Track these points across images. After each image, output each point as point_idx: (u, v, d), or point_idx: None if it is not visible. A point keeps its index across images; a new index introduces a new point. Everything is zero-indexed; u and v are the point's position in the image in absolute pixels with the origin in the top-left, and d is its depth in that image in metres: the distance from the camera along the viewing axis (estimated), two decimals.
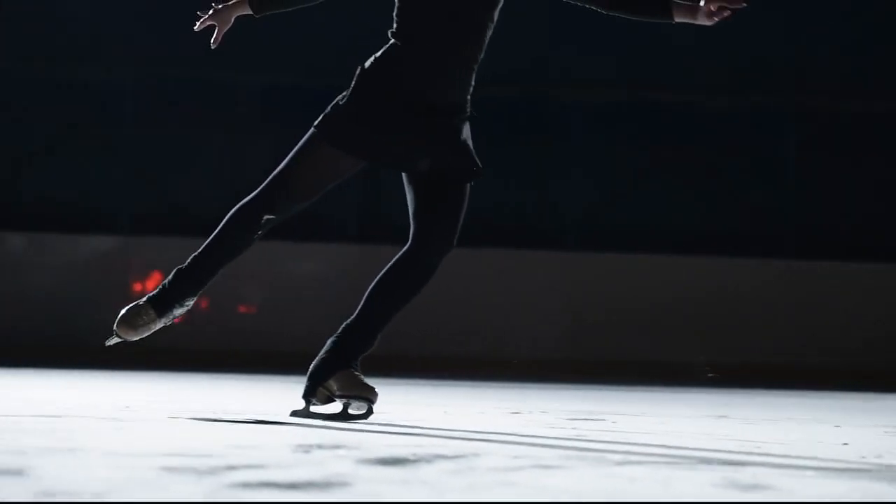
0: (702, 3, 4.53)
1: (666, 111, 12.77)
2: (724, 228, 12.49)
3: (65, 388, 6.80)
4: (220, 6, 4.78)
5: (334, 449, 3.42)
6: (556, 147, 12.71)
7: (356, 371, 4.63)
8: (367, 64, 4.66)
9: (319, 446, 3.49)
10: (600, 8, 4.74)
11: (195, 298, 4.77)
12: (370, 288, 4.79)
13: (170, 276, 4.69)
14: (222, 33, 4.80)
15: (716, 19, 4.52)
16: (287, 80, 12.47)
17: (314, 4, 4.79)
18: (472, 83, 4.69)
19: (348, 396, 4.60)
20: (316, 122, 4.64)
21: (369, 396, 4.60)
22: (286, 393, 6.05)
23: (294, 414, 4.63)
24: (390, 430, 4.28)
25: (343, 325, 4.76)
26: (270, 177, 4.70)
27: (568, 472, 3.05)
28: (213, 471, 2.84)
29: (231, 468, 2.90)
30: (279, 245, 11.80)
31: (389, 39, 4.66)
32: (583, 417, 5.16)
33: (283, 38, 12.29)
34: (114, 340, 4.77)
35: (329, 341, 4.72)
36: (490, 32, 4.71)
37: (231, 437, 3.78)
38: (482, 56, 4.69)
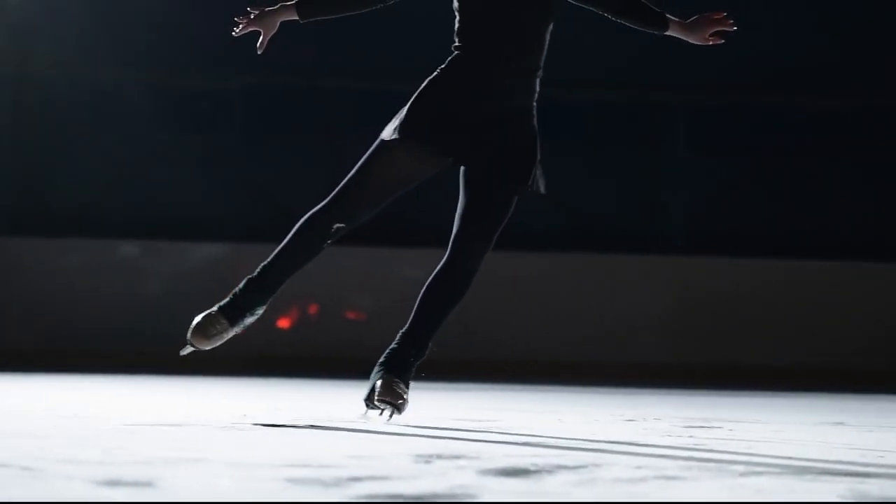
0: (692, 24, 4.82)
1: (770, 113, 12.66)
2: (832, 232, 12.34)
3: (180, 395, 6.87)
4: (259, 11, 4.86)
5: (454, 459, 3.42)
6: (661, 151, 12.64)
7: (396, 378, 4.75)
8: (432, 76, 4.80)
9: (439, 456, 3.50)
10: (608, 13, 4.90)
11: (265, 306, 4.93)
12: (419, 296, 4.87)
13: (240, 285, 4.82)
14: (268, 38, 4.90)
15: (710, 43, 4.81)
16: (390, 85, 12.51)
17: (362, 12, 4.89)
18: (536, 89, 4.78)
19: (378, 402, 4.74)
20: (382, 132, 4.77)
21: (395, 403, 4.73)
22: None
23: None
24: (506, 439, 4.28)
25: (399, 334, 4.86)
26: (340, 185, 4.80)
27: (692, 483, 3.03)
28: (337, 482, 2.85)
29: (355, 479, 2.91)
30: (387, 251, 11.86)
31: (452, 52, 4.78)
32: (699, 425, 5.12)
33: (385, 42, 12.34)
34: (188, 350, 4.94)
35: (388, 349, 4.84)
36: (547, 40, 4.81)
37: (350, 447, 3.80)
38: (542, 63, 4.78)
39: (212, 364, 9.45)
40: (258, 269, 4.83)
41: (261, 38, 4.91)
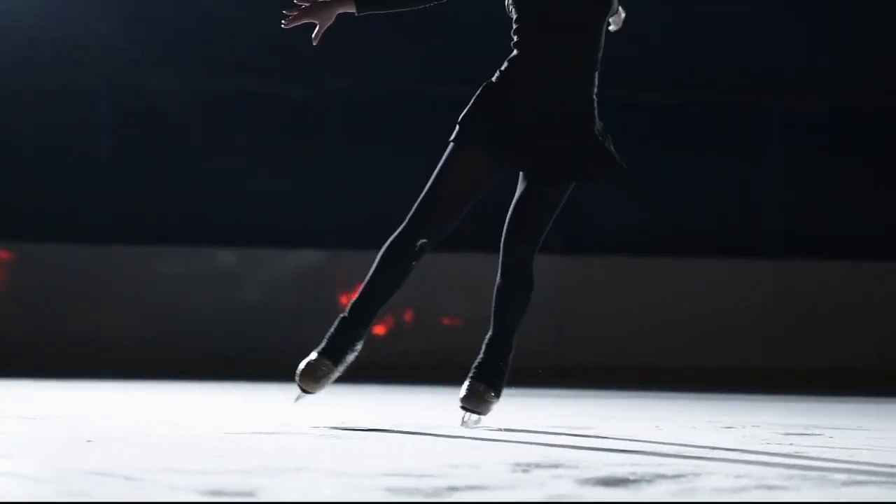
0: None
1: (868, 116, 12.52)
2: None
3: (278, 403, 6.91)
4: (312, 2, 4.87)
5: (553, 468, 3.42)
6: (759, 153, 12.54)
7: (482, 383, 4.91)
8: (492, 78, 4.94)
9: (538, 465, 3.49)
10: None
11: (363, 340, 5.00)
12: (493, 302, 5.12)
13: (335, 326, 4.87)
14: (323, 30, 4.91)
15: None
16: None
17: (416, 8, 4.94)
18: (595, 84, 4.85)
19: (462, 407, 4.92)
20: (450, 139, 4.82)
21: (476, 409, 4.91)
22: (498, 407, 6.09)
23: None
24: (604, 446, 4.26)
25: (484, 341, 5.11)
26: (416, 202, 4.83)
27: (794, 493, 3.00)
28: (436, 492, 2.86)
29: (453, 489, 2.92)
30: (484, 257, 11.84)
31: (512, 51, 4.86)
32: (798, 432, 5.07)
33: (478, 46, 12.35)
34: (300, 396, 5.01)
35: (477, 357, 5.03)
36: (604, 36, 4.87)
37: (448, 455, 3.80)
38: (599, 58, 4.84)
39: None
40: (349, 307, 4.92)
41: (316, 29, 4.93)
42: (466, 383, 4.94)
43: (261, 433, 4.49)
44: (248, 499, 2.69)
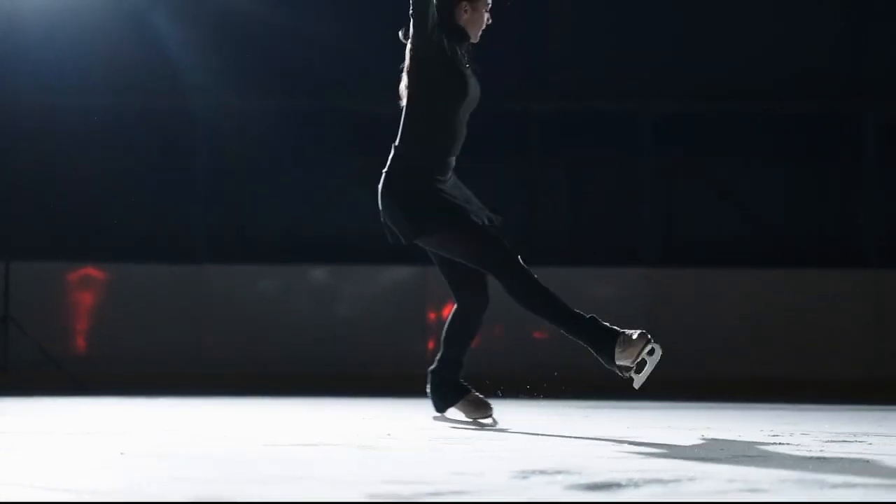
0: None
1: None
2: None
3: (376, 416, 7.02)
4: None
5: (554, 474, 3.47)
6: (852, 163, 12.43)
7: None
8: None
9: (542, 472, 3.55)
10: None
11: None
12: None
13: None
14: None
15: None
16: (580, 106, 12.57)
17: None
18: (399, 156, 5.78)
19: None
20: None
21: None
22: (559, 416, 6.14)
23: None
24: (629, 453, 4.29)
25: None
26: (499, 265, 5.62)
27: (773, 495, 3.03)
28: (415, 496, 2.94)
29: (435, 493, 2.99)
30: (577, 271, 11.89)
31: None
32: (841, 440, 5.04)
33: (572, 63, 12.40)
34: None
35: None
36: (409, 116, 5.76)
37: (461, 463, 3.86)
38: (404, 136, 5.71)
39: (402, 384, 9.64)
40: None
41: None
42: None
43: (288, 445, 4.60)
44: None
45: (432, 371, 5.91)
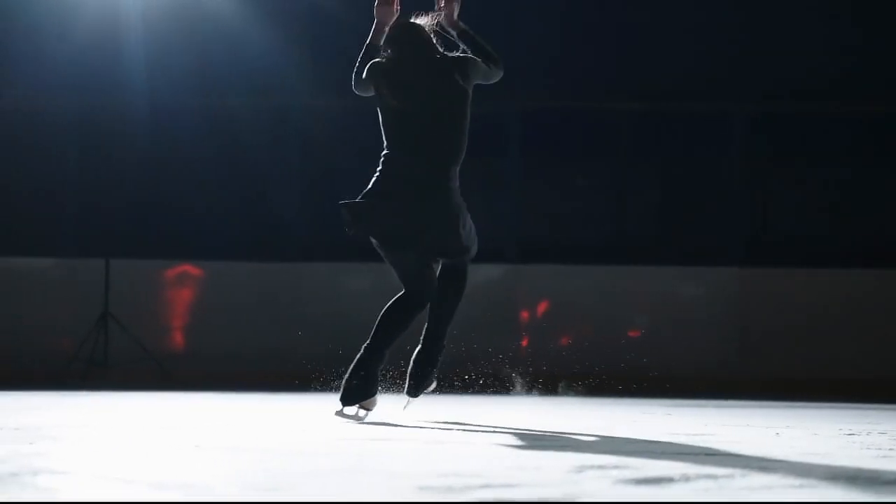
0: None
1: None
2: None
3: (458, 412, 7.09)
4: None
5: (610, 469, 3.52)
6: None
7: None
8: None
9: (601, 467, 3.60)
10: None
11: None
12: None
13: None
14: None
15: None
16: (670, 106, 12.55)
17: None
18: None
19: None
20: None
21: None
22: (651, 412, 6.17)
23: None
24: (692, 450, 4.32)
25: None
26: None
27: (809, 491, 3.05)
28: (466, 488, 3.01)
29: (486, 486, 3.05)
30: (666, 269, 11.88)
31: None
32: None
33: (658, 64, 12.38)
34: None
35: None
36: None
37: (521, 459, 3.92)
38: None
39: (493, 383, 9.71)
40: None
41: None
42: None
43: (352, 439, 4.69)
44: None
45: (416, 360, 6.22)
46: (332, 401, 8.22)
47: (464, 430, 5.34)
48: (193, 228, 12.21)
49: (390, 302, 6.10)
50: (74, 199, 12.24)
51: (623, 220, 12.64)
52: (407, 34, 5.98)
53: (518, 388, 10.47)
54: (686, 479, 3.30)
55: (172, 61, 12.06)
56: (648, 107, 12.56)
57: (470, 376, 10.58)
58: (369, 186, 5.93)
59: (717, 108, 12.48)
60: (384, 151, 5.96)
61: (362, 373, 5.91)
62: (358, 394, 5.91)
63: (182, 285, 11.79)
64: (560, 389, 10.40)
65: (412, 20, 6.06)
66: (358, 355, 5.97)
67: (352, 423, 5.68)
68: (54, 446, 4.17)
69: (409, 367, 6.21)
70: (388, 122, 5.94)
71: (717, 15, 12.45)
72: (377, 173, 5.94)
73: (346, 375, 5.97)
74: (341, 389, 5.97)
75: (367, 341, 6.00)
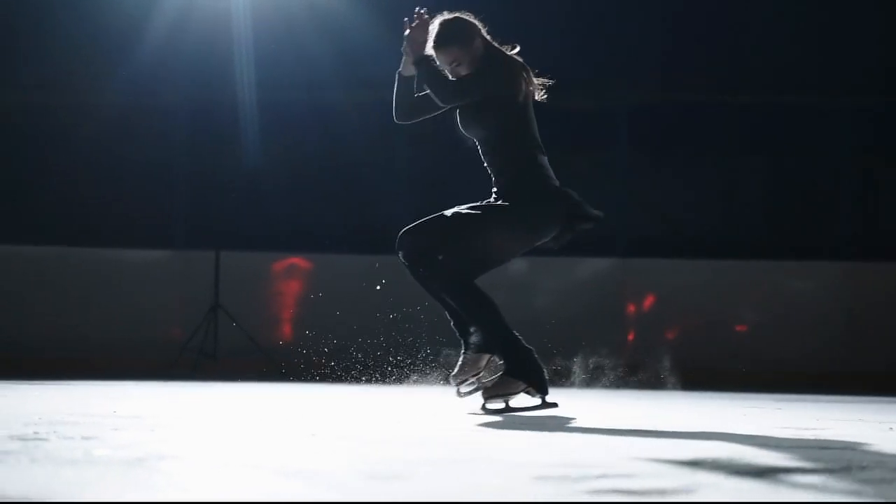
0: None
1: None
2: None
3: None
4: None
5: (723, 462, 3.53)
6: None
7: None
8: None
9: (713, 460, 3.61)
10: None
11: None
12: None
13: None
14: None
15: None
16: (770, 101, 12.46)
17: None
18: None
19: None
20: None
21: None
22: (762, 406, 6.16)
23: None
24: (799, 444, 4.31)
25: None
26: None
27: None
28: (582, 478, 3.05)
29: (602, 477, 3.09)
30: (775, 264, 11.81)
31: None
32: None
33: (772, 58, 12.29)
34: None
35: None
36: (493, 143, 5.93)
37: (634, 450, 3.94)
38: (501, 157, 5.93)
39: (599, 375, 9.72)
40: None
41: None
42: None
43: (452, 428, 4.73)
44: (399, 482, 2.94)
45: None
46: (435, 392, 8.29)
47: (574, 422, 5.36)
48: (302, 221, 12.34)
49: (470, 289, 6.01)
50: (186, 192, 12.43)
51: (731, 215, 12.58)
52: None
53: (623, 381, 10.47)
54: (803, 472, 3.31)
55: (280, 55, 12.19)
56: (757, 100, 12.48)
57: (575, 369, 10.60)
58: (546, 187, 5.91)
59: (827, 102, 12.37)
60: (520, 150, 5.91)
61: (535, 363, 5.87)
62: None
63: (290, 277, 11.92)
64: (665, 383, 10.39)
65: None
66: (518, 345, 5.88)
67: (461, 414, 5.73)
68: (174, 434, 4.27)
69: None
70: (522, 118, 5.92)
71: (827, 7, 12.34)
72: (539, 173, 5.92)
73: (532, 366, 5.86)
74: (539, 382, 5.85)
75: (504, 332, 5.89)
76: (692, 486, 2.95)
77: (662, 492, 2.86)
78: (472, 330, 6.00)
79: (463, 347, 6.03)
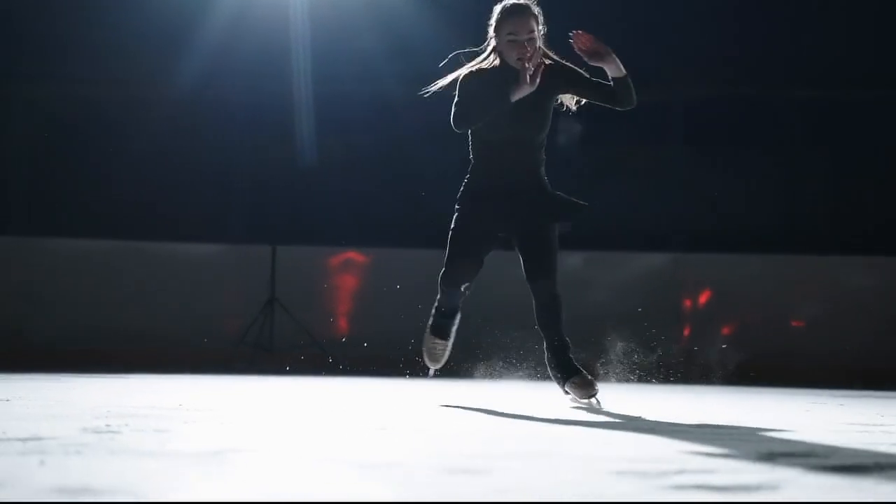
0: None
1: None
2: None
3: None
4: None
5: (801, 457, 3.52)
6: None
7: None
8: None
9: (789, 454, 3.60)
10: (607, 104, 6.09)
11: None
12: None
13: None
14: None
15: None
16: (830, 94, 12.38)
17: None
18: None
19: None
20: None
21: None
22: (822, 402, 6.13)
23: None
24: (877, 439, 4.29)
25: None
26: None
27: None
28: (663, 474, 3.03)
29: (680, 472, 3.08)
30: (838, 259, 11.73)
31: None
32: None
33: (834, 51, 12.22)
34: (430, 371, 6.41)
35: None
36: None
37: (701, 445, 3.93)
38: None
39: (655, 371, 9.69)
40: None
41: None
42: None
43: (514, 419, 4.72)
44: (478, 476, 2.93)
45: (547, 360, 6.27)
46: (499, 386, 8.30)
47: (639, 417, 5.35)
48: (358, 215, 12.36)
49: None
50: (243, 186, 12.48)
51: (789, 209, 12.51)
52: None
53: (680, 376, 10.43)
54: (879, 468, 3.29)
55: (337, 49, 12.21)
56: (817, 94, 12.41)
57: (632, 364, 10.56)
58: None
59: (888, 95, 12.28)
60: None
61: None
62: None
63: (346, 272, 11.94)
64: (722, 378, 10.35)
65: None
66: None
67: (530, 408, 5.73)
68: (244, 427, 4.28)
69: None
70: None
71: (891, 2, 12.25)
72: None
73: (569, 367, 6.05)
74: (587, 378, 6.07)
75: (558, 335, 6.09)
76: (774, 483, 2.93)
77: (745, 488, 2.84)
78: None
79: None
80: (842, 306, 11.62)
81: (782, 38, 12.41)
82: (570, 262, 11.95)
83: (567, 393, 6.14)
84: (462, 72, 6.06)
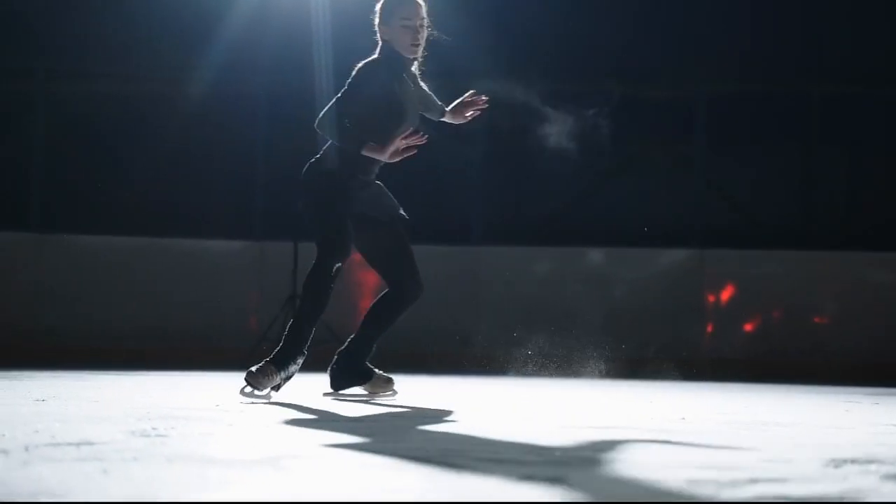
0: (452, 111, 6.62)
1: None
2: None
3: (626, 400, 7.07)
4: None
5: (866, 464, 3.46)
6: None
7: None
8: None
9: (853, 461, 3.54)
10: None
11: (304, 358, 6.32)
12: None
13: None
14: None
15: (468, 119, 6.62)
16: (850, 91, 12.33)
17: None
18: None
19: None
20: None
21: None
22: (856, 401, 6.08)
23: None
24: None
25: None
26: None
27: None
28: (734, 483, 2.98)
29: (753, 482, 3.02)
30: (855, 255, 11.68)
31: None
32: None
33: (850, 49, 12.15)
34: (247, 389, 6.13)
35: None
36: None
37: (769, 450, 3.88)
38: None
39: (679, 368, 9.63)
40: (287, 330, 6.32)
41: None
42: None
43: (587, 426, 4.67)
44: (551, 485, 2.88)
45: (341, 352, 6.66)
46: (534, 385, 8.25)
47: (684, 417, 5.29)
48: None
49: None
50: (264, 183, 12.43)
51: (811, 205, 12.45)
52: None
53: (701, 373, 10.38)
54: None
55: (359, 44, 12.15)
56: (837, 91, 12.34)
57: (654, 362, 10.52)
58: None
59: None
60: None
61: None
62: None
63: (367, 268, 11.85)
64: (744, 375, 10.29)
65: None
66: None
67: (568, 411, 5.67)
68: (291, 431, 4.23)
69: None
70: None
71: None
72: None
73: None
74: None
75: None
76: (852, 492, 2.88)
77: (825, 497, 2.78)
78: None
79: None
80: (862, 302, 11.57)
81: (804, 34, 12.35)
82: (592, 258, 11.92)
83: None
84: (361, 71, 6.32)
